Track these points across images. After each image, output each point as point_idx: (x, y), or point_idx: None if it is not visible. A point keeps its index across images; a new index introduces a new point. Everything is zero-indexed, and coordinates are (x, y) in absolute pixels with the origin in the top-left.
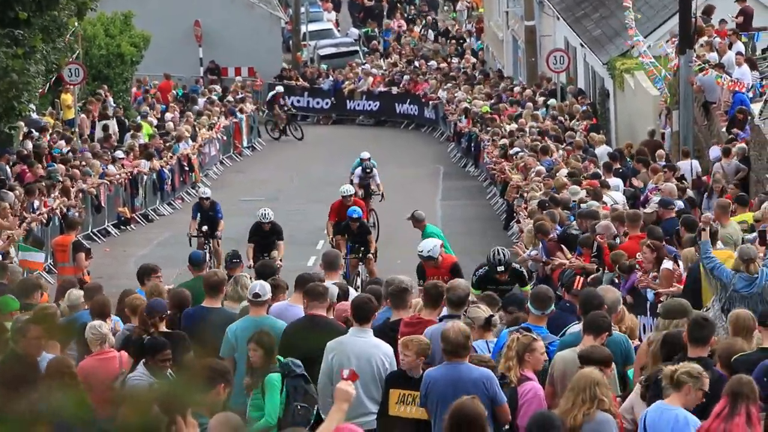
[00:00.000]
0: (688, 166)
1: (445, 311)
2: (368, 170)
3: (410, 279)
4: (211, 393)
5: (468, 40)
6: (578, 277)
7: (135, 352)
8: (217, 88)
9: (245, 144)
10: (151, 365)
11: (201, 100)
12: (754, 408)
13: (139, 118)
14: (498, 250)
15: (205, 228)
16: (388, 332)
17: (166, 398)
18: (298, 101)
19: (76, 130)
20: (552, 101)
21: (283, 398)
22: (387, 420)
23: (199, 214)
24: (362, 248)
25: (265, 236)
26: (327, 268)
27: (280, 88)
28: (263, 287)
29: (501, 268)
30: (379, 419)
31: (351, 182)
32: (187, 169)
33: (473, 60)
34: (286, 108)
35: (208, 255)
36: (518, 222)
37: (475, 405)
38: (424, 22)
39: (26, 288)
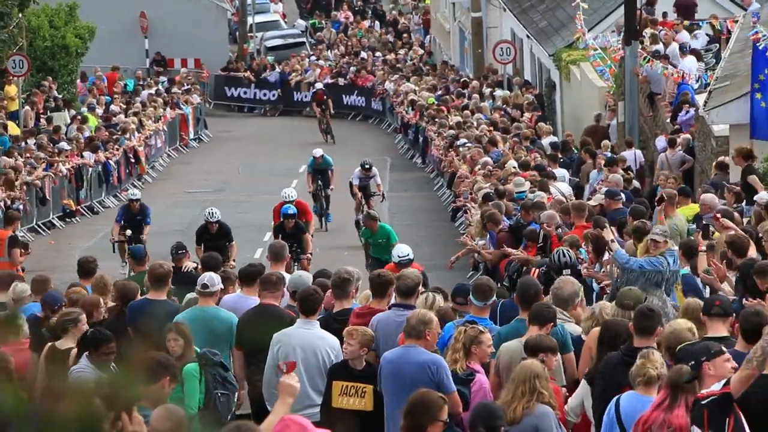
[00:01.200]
0: (632, 156)
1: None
2: (367, 167)
3: (357, 270)
4: (155, 386)
5: (414, 31)
6: (534, 269)
7: (79, 345)
8: (163, 79)
9: (192, 136)
10: (95, 358)
11: (146, 92)
12: (692, 399)
13: (85, 110)
14: (563, 251)
15: (129, 232)
16: (332, 323)
17: (110, 392)
18: (245, 93)
19: (21, 122)
20: (499, 92)
21: (203, 387)
22: (330, 412)
23: (123, 218)
24: (298, 249)
25: (213, 239)
26: (273, 259)
27: (319, 85)
28: (212, 278)
29: (567, 272)
30: (322, 411)
31: (350, 184)
32: (133, 161)
33: (420, 52)
34: (324, 107)
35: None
36: (466, 213)
37: (431, 396)
38: (370, 13)
39: None
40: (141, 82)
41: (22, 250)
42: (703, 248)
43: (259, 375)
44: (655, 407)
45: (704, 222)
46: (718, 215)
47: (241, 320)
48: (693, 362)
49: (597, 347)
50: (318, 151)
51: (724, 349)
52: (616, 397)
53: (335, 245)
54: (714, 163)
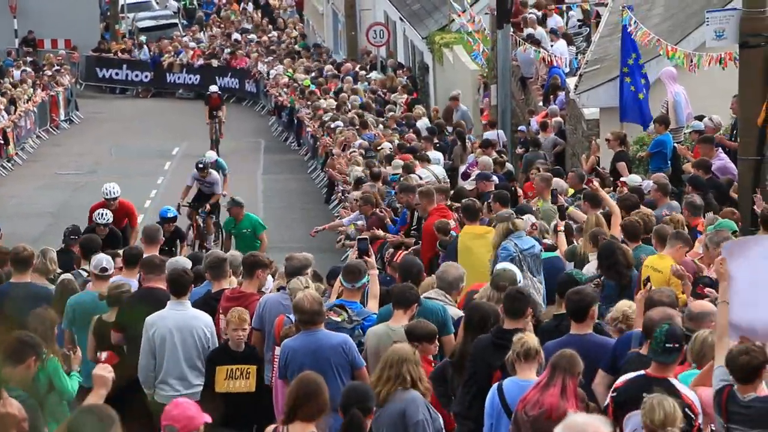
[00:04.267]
0: (495, 136)
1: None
2: (201, 166)
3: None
4: (20, 366)
5: (288, 13)
6: (399, 250)
7: None
8: (29, 59)
9: (62, 117)
10: None
11: (16, 73)
12: (571, 381)
13: None
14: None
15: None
16: (210, 302)
17: None
18: (117, 74)
19: None
20: (373, 75)
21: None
22: (214, 397)
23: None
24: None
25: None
26: (147, 242)
27: (214, 88)
28: (109, 261)
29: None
30: (203, 397)
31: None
32: (2, 142)
33: (294, 34)
34: (217, 115)
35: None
36: (341, 195)
37: (316, 378)
38: None
39: None
40: (10, 62)
41: None
42: (561, 228)
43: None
44: (533, 386)
45: (559, 203)
46: (592, 179)
47: (125, 302)
48: None
49: (464, 330)
50: (211, 154)
51: None
52: (496, 384)
53: None
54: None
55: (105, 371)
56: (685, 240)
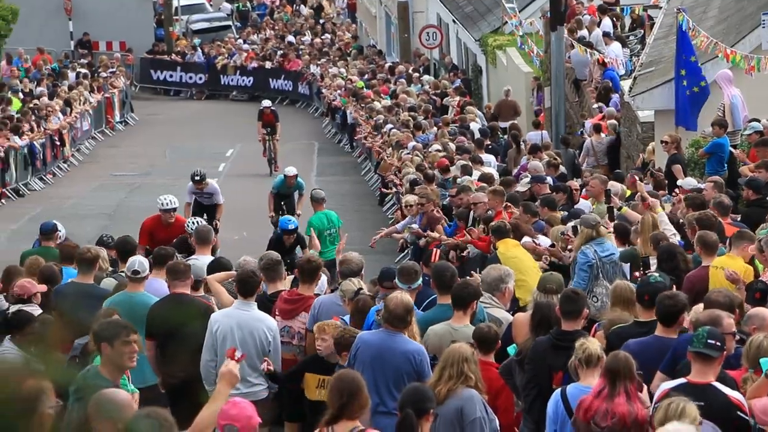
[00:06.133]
0: (538, 137)
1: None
2: (198, 178)
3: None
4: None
5: (340, 15)
6: (436, 249)
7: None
8: (83, 61)
9: (118, 119)
10: (18, 339)
11: (71, 75)
12: (631, 386)
13: (9, 92)
14: None
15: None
16: (266, 304)
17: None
18: (171, 76)
19: None
20: (426, 77)
21: None
22: (307, 403)
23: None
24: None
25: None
26: (199, 243)
27: (267, 103)
28: (142, 264)
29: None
30: (291, 405)
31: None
32: (58, 143)
33: (347, 36)
34: (271, 131)
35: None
36: (397, 198)
37: (355, 376)
38: None
39: None
40: (66, 64)
41: None
42: (610, 229)
43: (174, 364)
44: (595, 395)
45: (611, 204)
46: (634, 176)
47: (152, 309)
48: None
49: (532, 330)
50: (291, 170)
51: None
52: (560, 390)
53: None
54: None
55: (237, 369)
56: (749, 238)
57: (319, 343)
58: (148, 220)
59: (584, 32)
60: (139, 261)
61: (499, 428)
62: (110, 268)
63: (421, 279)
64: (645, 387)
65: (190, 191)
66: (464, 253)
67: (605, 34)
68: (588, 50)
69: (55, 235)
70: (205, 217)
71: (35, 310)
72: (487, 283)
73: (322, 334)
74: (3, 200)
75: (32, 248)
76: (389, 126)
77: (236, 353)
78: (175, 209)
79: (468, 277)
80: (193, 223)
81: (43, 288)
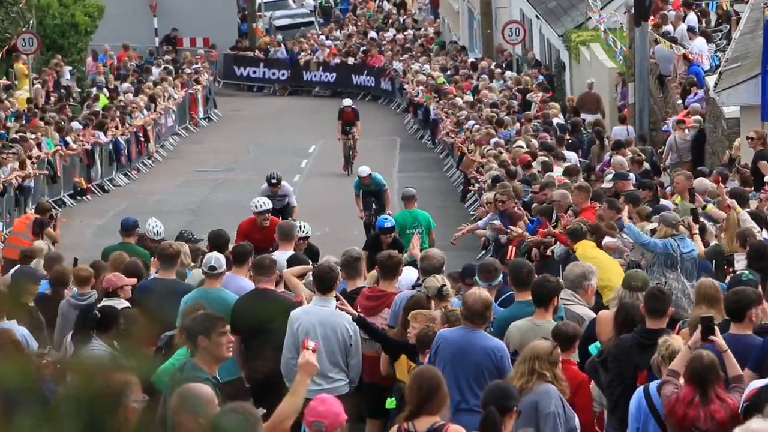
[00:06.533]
0: (624, 132)
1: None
2: (274, 181)
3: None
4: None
5: (423, 11)
6: (511, 247)
7: (86, 323)
8: (168, 58)
9: (201, 115)
10: (106, 335)
11: (155, 71)
12: (719, 387)
13: (94, 89)
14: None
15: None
16: (348, 302)
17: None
18: (254, 72)
19: (32, 96)
20: (508, 73)
21: None
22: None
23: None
24: None
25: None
26: (282, 239)
27: (347, 102)
28: (218, 260)
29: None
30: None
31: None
32: (142, 140)
33: (429, 32)
34: (351, 130)
35: None
36: (479, 194)
37: (435, 372)
38: None
39: None
40: (151, 61)
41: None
42: (696, 231)
43: (258, 360)
44: (687, 404)
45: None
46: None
47: (236, 305)
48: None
49: (616, 329)
50: (364, 170)
51: None
52: (642, 387)
53: (340, 223)
54: None
55: (314, 358)
56: None
57: (410, 331)
58: (244, 222)
59: (669, 27)
60: (215, 257)
61: (578, 426)
62: (192, 264)
63: (501, 276)
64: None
65: (264, 193)
66: (548, 252)
67: (690, 29)
68: (672, 45)
69: (135, 231)
70: (280, 219)
71: (122, 303)
72: (570, 280)
73: (414, 322)
74: (88, 196)
75: (113, 244)
76: (471, 122)
77: (309, 344)
78: (269, 211)
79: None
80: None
81: (133, 281)
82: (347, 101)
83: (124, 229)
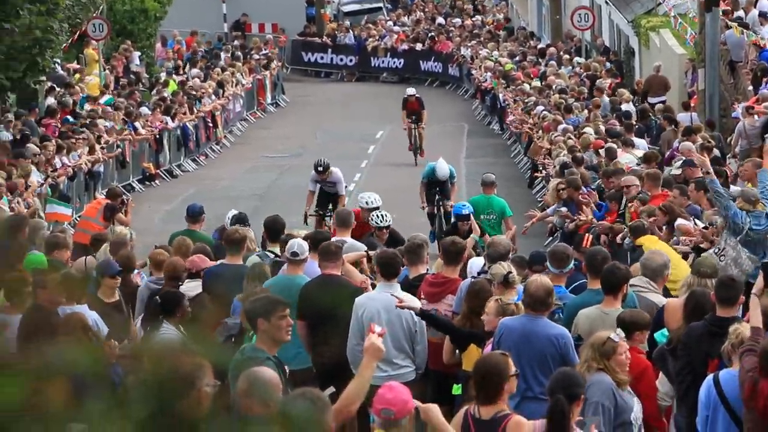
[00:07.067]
0: (688, 118)
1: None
2: (321, 168)
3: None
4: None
5: None
6: (587, 234)
7: (154, 308)
8: (239, 43)
9: (269, 100)
10: (175, 320)
11: (225, 56)
12: None
13: (163, 74)
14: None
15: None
16: (410, 289)
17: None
18: (322, 58)
19: (103, 81)
20: (577, 59)
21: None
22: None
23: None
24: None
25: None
26: (339, 226)
27: (411, 91)
28: (301, 246)
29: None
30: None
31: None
32: (211, 125)
33: (498, 17)
34: (416, 120)
35: None
36: (546, 180)
37: (504, 361)
38: None
39: (51, 245)
40: (219, 46)
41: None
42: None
43: (324, 346)
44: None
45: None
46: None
47: (302, 291)
48: None
49: (685, 317)
50: (443, 168)
51: None
52: (712, 375)
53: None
54: None
55: (380, 342)
56: None
57: (484, 318)
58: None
59: (740, 13)
60: (298, 243)
61: (636, 419)
62: (258, 249)
63: (572, 263)
64: None
65: (313, 180)
66: (618, 240)
67: (762, 15)
68: (744, 31)
69: (201, 218)
70: (330, 207)
71: (199, 286)
72: (652, 269)
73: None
74: (157, 181)
75: (179, 230)
76: (540, 108)
77: (376, 328)
78: (377, 209)
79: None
80: (380, 219)
81: (214, 263)
82: (411, 90)
83: (190, 216)
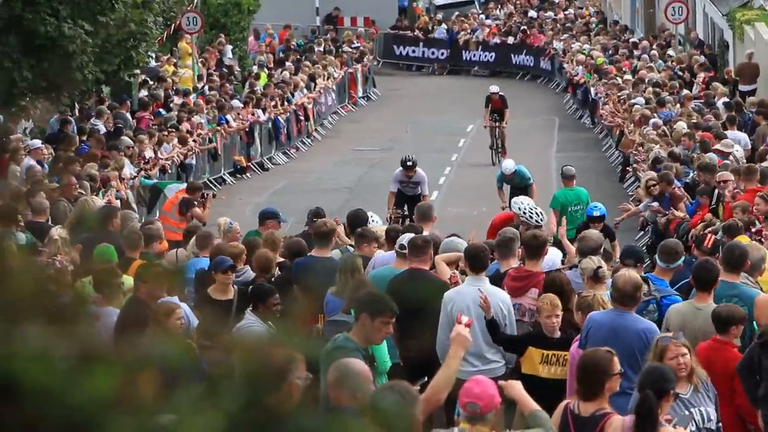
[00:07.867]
0: None
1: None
2: (410, 164)
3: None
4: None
5: None
6: (710, 234)
7: (242, 299)
8: (331, 37)
9: (360, 94)
10: (261, 311)
11: (317, 50)
12: None
13: (255, 67)
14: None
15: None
16: (499, 283)
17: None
18: (413, 51)
19: (197, 74)
20: (671, 53)
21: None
22: (527, 379)
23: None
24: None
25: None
26: (420, 220)
27: (494, 89)
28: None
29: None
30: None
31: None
32: (302, 118)
33: (591, 11)
34: (498, 119)
35: None
36: (636, 175)
37: (608, 359)
38: None
39: (146, 237)
40: (312, 40)
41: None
42: None
43: (413, 340)
44: None
45: None
46: None
47: (389, 284)
48: None
49: None
50: (509, 165)
51: None
52: None
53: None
54: None
55: (468, 333)
56: None
57: (554, 320)
58: (498, 218)
59: None
60: (407, 237)
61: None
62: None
63: (682, 258)
64: None
65: (396, 179)
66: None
67: None
68: None
69: (266, 223)
70: (405, 209)
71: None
72: (751, 264)
73: (557, 310)
74: (248, 174)
75: (252, 230)
76: (640, 99)
77: (463, 318)
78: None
79: (709, 258)
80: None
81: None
82: (494, 88)
83: (260, 218)
